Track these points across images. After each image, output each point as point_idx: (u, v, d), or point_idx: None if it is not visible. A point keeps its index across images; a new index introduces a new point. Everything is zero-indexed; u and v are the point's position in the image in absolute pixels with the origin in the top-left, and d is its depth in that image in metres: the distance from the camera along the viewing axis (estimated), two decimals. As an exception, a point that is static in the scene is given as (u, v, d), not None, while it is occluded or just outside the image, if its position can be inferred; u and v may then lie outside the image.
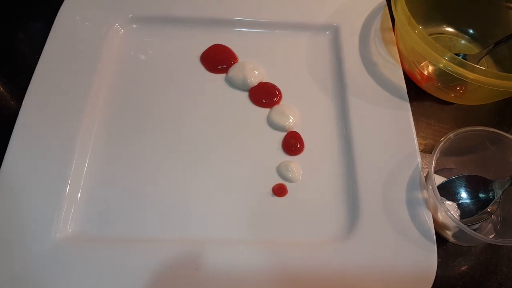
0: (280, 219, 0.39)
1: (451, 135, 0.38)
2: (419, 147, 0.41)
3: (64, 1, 0.49)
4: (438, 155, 0.37)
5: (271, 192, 0.40)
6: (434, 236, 0.37)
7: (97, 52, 0.46)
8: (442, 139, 0.38)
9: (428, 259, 0.36)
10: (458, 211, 0.39)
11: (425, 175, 0.40)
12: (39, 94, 0.43)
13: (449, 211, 0.34)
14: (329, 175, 0.41)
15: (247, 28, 0.50)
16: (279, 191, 0.40)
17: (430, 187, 0.37)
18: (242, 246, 0.37)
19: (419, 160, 0.41)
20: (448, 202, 0.39)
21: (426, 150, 0.45)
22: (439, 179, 0.40)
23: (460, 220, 0.36)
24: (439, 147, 0.37)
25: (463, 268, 0.39)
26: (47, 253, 0.35)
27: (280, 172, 0.41)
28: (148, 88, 0.46)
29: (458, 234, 0.38)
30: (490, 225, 0.40)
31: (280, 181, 0.41)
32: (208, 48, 0.49)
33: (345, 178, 0.41)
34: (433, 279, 0.35)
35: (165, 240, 0.37)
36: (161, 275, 0.35)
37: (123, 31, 0.49)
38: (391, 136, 0.42)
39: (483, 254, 0.39)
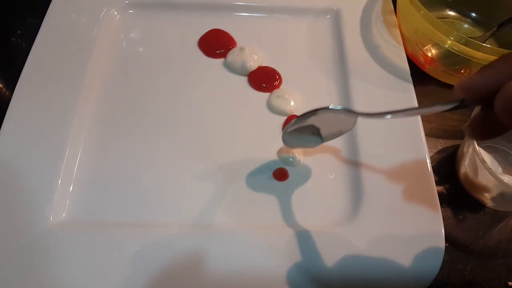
0: (281, 203, 0.38)
1: None
2: (424, 130, 0.40)
3: (59, -14, 0.48)
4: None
5: (271, 176, 0.39)
6: (441, 219, 0.36)
7: (93, 37, 0.45)
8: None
9: (435, 244, 0.35)
10: (500, 169, 0.37)
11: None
12: (33, 79, 0.42)
13: (492, 169, 0.33)
14: (330, 159, 0.40)
15: (245, 13, 0.49)
16: (280, 175, 0.39)
17: (470, 148, 0.36)
18: (242, 230, 0.36)
19: (424, 143, 0.39)
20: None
21: (431, 134, 0.44)
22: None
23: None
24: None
25: (472, 252, 0.38)
26: (40, 238, 0.34)
27: (281, 156, 0.40)
28: (145, 74, 0.45)
29: (498, 196, 0.37)
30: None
31: (281, 165, 0.40)
32: (206, 33, 0.47)
33: (347, 162, 0.40)
34: (440, 264, 0.34)
35: (162, 224, 0.36)
36: (158, 259, 0.33)
37: (120, 16, 0.48)
38: (395, 119, 0.41)
39: (491, 238, 0.38)
